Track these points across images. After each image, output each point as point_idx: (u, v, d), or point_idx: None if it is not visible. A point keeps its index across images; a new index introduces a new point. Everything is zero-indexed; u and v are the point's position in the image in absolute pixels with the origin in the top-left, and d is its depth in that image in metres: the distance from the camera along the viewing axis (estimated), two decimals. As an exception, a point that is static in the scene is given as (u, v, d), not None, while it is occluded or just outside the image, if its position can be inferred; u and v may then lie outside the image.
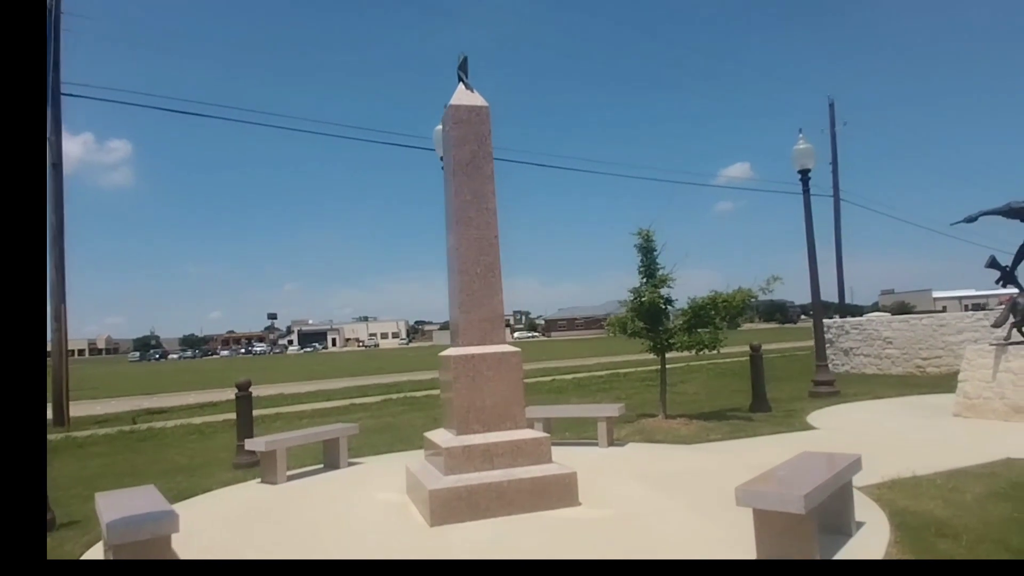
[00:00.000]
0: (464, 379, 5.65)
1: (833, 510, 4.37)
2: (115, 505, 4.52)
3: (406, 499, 5.95)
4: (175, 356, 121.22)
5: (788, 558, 3.76)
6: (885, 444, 7.51)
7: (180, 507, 6.28)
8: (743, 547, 4.11)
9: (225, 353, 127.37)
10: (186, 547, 4.86)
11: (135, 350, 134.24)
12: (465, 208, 5.90)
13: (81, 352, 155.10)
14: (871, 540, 4.31)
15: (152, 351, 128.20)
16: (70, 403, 14.74)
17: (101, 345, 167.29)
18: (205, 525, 5.56)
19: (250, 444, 7.35)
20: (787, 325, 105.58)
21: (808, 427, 9.00)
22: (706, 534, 4.57)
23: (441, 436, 5.80)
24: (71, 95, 14.94)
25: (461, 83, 6.05)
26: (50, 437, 11.73)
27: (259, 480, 7.21)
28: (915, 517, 4.78)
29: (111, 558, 4.09)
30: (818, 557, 3.79)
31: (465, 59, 6.03)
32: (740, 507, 3.89)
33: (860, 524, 4.58)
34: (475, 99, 6.02)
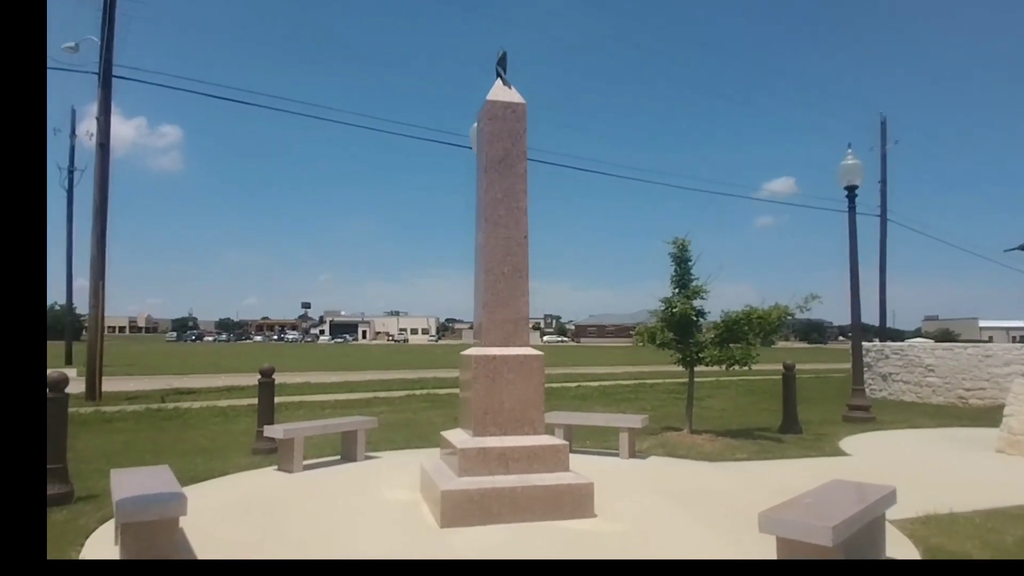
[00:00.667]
0: (483, 380, 5.54)
1: (862, 543, 4.12)
2: (128, 483, 4.52)
3: (418, 497, 5.87)
4: (211, 338, 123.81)
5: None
6: (921, 476, 7.17)
7: (193, 489, 6.31)
8: None
9: (259, 338, 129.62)
10: (191, 531, 4.82)
11: (173, 330, 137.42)
12: (495, 206, 5.79)
13: (122, 329, 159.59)
14: (901, 579, 4.07)
15: (189, 332, 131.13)
16: (104, 378, 15.02)
17: (141, 323, 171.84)
18: (214, 510, 5.54)
19: (269, 431, 7.35)
20: (818, 345, 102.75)
21: (839, 453, 8.66)
22: (720, 558, 4.36)
23: (457, 436, 5.70)
24: (121, 77, 15.26)
25: (499, 79, 5.94)
26: (80, 410, 11.97)
27: (276, 467, 7.21)
28: (949, 557, 4.51)
29: (119, 535, 4.07)
30: (843, 593, 3.57)
31: (504, 55, 5.93)
32: (763, 533, 3.70)
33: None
34: (512, 95, 5.91)
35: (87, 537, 4.82)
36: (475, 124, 7.22)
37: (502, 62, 5.94)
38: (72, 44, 15.69)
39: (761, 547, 4.02)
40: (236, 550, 4.53)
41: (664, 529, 5.03)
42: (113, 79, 15.29)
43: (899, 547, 4.59)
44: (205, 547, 4.54)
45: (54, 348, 34.19)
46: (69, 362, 27.42)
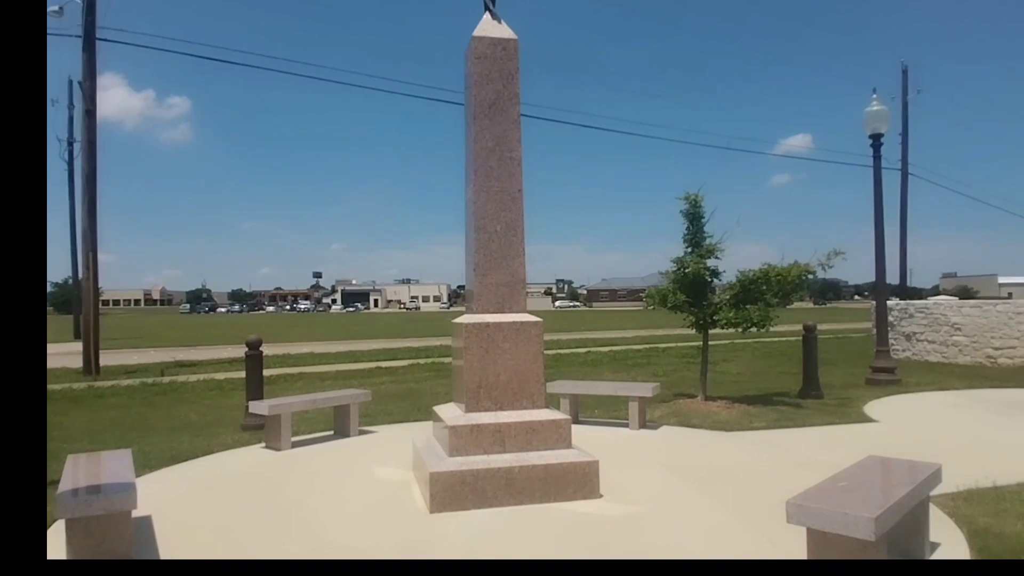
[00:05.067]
0: (476, 350, 5.01)
1: (905, 531, 3.61)
2: (80, 472, 4.09)
3: (410, 477, 5.41)
4: (223, 310, 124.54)
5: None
6: (956, 445, 6.63)
7: (172, 470, 5.93)
8: (791, 569, 3.41)
9: (271, 309, 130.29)
10: (159, 519, 4.42)
11: (187, 302, 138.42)
12: (486, 157, 5.19)
13: (137, 302, 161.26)
14: (949, 569, 3.55)
15: (203, 304, 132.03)
16: (109, 351, 14.72)
17: (156, 296, 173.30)
18: (189, 493, 5.13)
19: (254, 407, 6.91)
20: (830, 305, 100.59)
21: (865, 419, 8.12)
22: (745, 547, 3.87)
23: (449, 412, 5.20)
24: (105, 40, 14.59)
25: (487, 12, 5.29)
26: (74, 386, 11.67)
27: (263, 444, 6.79)
28: (1000, 541, 3.98)
29: (66, 531, 3.63)
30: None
31: (493, -16, 5.26)
32: (791, 523, 3.18)
33: (934, 546, 3.82)
34: (502, 31, 5.25)
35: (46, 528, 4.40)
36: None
37: (491, -7, 5.27)
38: (56, 8, 15.02)
39: (788, 534, 3.52)
40: (202, 541, 4.09)
41: (676, 511, 4.54)
42: (97, 42, 14.64)
43: (942, 530, 4.07)
44: (169, 539, 4.11)
45: (64, 322, 34.20)
46: (78, 336, 27.25)
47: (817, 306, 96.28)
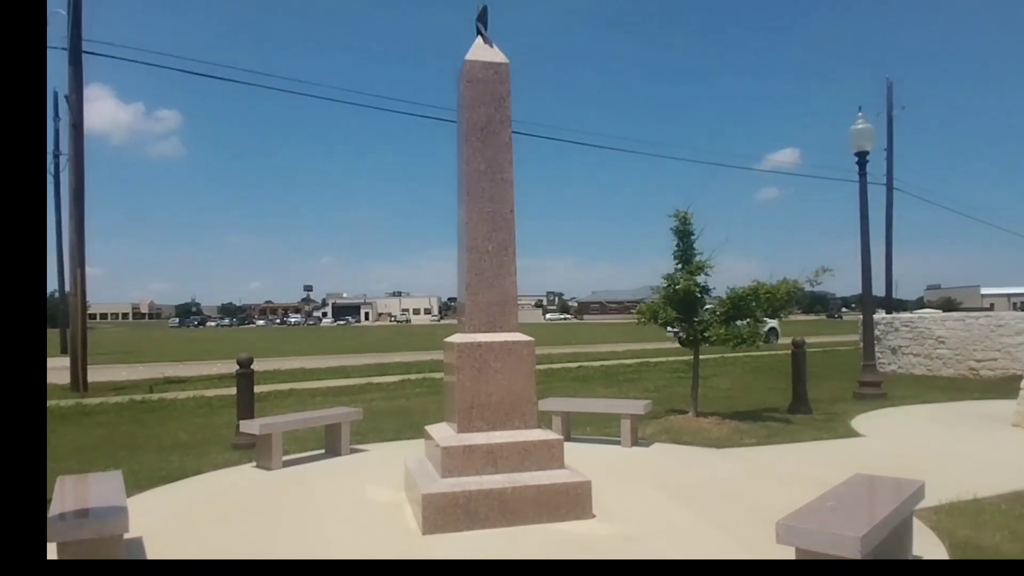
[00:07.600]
0: (468, 370, 5.05)
1: (889, 548, 3.66)
2: (71, 494, 4.09)
3: (402, 498, 5.42)
4: (213, 324, 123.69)
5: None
6: (940, 458, 6.71)
7: (163, 491, 5.90)
8: (780, 589, 3.45)
9: (261, 323, 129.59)
10: (149, 541, 4.41)
11: (176, 316, 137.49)
12: (478, 178, 5.25)
13: (125, 316, 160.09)
14: (935, 587, 3.61)
15: (192, 318, 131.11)
16: (97, 367, 14.58)
17: (144, 310, 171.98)
18: (179, 515, 5.12)
19: (245, 426, 6.89)
20: (839, 319, 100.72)
21: (853, 434, 8.20)
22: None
23: (441, 432, 5.22)
24: (91, 53, 14.59)
25: (479, 36, 5.37)
26: (61, 403, 11.56)
27: (254, 464, 6.77)
28: (980, 553, 4.07)
29: (58, 555, 3.62)
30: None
31: (485, 9, 5.35)
32: (780, 543, 3.23)
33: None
34: (494, 55, 5.34)
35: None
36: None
37: (482, 17, 5.36)
38: (43, 21, 15.01)
39: (778, 554, 3.56)
40: (194, 565, 4.08)
41: (668, 532, 4.57)
42: (83, 55, 14.63)
43: (924, 543, 4.13)
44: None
45: (50, 337, 33.83)
46: (64, 351, 26.99)
47: (831, 319, 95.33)
